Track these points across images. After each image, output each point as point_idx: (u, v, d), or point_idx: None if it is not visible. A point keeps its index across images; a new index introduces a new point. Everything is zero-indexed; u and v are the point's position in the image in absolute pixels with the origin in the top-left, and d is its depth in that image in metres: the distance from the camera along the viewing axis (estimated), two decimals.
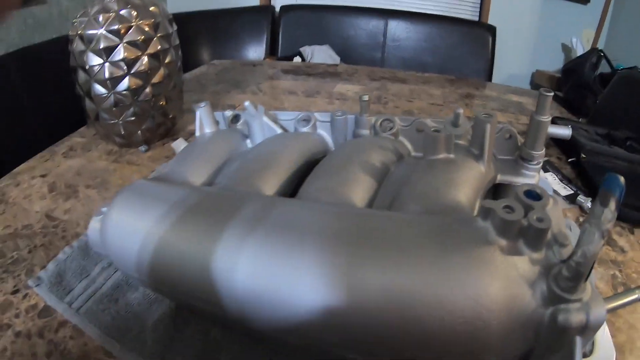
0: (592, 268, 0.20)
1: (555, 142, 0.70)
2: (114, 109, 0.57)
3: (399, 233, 0.24)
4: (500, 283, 0.21)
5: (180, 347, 0.33)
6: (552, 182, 0.59)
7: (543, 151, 0.36)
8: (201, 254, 0.27)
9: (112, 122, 0.58)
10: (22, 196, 0.52)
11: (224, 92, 0.89)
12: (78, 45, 0.53)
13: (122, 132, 0.60)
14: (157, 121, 0.63)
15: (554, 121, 0.73)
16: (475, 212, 0.31)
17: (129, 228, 0.30)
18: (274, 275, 0.25)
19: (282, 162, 0.37)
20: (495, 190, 0.39)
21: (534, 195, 0.24)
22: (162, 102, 0.62)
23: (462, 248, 0.22)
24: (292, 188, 0.37)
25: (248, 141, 0.47)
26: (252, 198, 0.30)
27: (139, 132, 0.61)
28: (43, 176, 0.57)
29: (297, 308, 0.24)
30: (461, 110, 0.39)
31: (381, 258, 0.23)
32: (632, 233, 0.48)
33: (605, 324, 0.26)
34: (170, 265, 0.28)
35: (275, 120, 0.47)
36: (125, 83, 0.56)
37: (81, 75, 0.55)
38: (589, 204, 0.52)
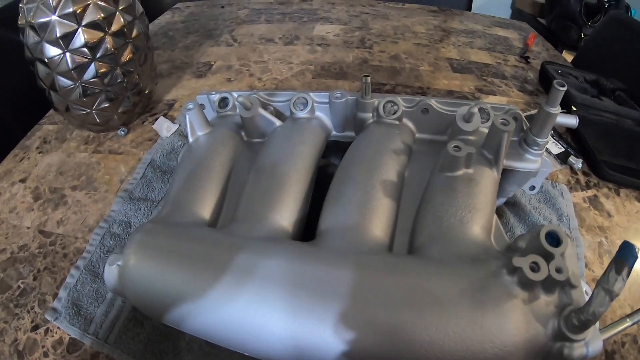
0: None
1: (545, 90, 0.69)
2: (83, 99, 0.51)
3: (437, 291, 0.25)
4: (521, 330, 0.23)
5: None
6: None
7: (548, 138, 0.36)
8: (236, 316, 0.27)
9: (85, 112, 0.53)
10: (7, 210, 0.49)
11: (196, 46, 0.80)
12: (31, 36, 0.45)
13: (98, 121, 0.55)
14: (133, 100, 0.58)
15: (544, 65, 0.71)
16: (493, 229, 0.32)
17: (153, 284, 0.30)
18: (308, 335, 0.26)
19: (293, 186, 0.35)
20: None
21: (554, 238, 0.25)
22: (136, 79, 0.56)
23: (492, 305, 0.24)
24: (308, 202, 0.36)
25: (243, 134, 0.44)
26: (274, 254, 0.29)
27: (115, 116, 0.56)
28: (23, 181, 0.52)
29: None
30: (476, 110, 0.37)
31: (423, 320, 0.24)
32: (618, 195, 0.51)
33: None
34: (210, 325, 0.28)
35: (268, 105, 0.43)
36: (91, 70, 0.49)
37: (41, 69, 0.48)
38: (579, 165, 0.54)
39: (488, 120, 0.38)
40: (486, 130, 0.37)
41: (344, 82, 0.68)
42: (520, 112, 0.38)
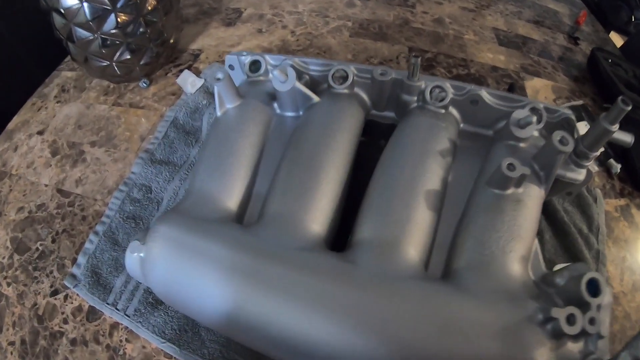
0: None
1: (593, 78, 0.62)
2: (103, 51, 0.47)
3: (470, 330, 0.25)
4: None
5: (238, 346, 0.35)
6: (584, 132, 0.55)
7: (599, 152, 0.33)
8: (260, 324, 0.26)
9: (104, 64, 0.49)
10: (25, 164, 0.47)
11: None
12: None
13: (118, 72, 0.51)
14: (156, 51, 0.53)
15: (595, 51, 0.63)
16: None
17: (176, 280, 0.29)
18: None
19: (331, 184, 0.32)
20: None
21: (594, 285, 0.24)
22: (159, 29, 0.52)
23: (522, 352, 0.24)
24: (344, 199, 0.33)
25: (275, 105, 0.40)
26: (308, 271, 0.27)
27: (137, 68, 0.53)
28: (40, 133, 0.50)
29: None
30: (533, 119, 0.33)
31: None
32: None
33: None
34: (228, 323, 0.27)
35: (304, 74, 0.39)
36: (111, 21, 0.45)
37: (57, 19, 0.44)
38: (617, 170, 0.50)
39: (540, 122, 0.35)
40: (537, 135, 0.35)
41: (383, 45, 0.63)
42: (573, 118, 0.34)
